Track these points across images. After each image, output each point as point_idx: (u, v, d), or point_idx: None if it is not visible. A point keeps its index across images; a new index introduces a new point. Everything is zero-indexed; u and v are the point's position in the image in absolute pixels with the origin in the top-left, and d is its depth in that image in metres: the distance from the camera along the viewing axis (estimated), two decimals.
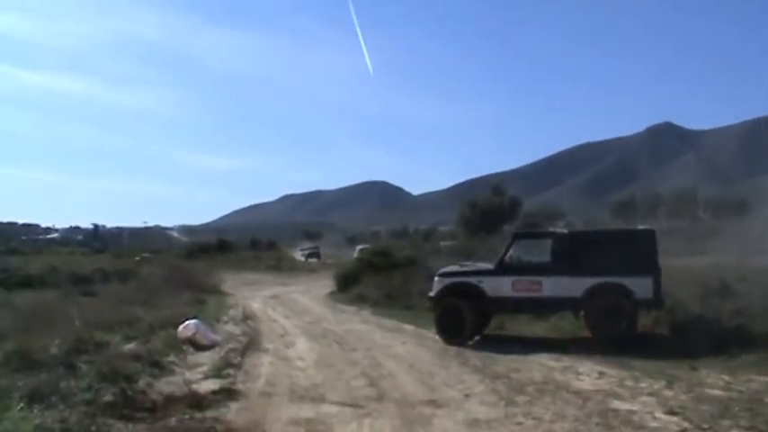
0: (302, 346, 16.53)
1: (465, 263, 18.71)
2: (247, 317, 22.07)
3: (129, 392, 10.16)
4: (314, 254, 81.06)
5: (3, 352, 11.49)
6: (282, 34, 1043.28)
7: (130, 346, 14.28)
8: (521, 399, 10.57)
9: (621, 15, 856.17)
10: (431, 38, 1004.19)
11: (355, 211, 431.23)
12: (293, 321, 21.55)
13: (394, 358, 14.52)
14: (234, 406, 10.11)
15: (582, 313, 16.53)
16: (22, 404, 8.53)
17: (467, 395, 10.93)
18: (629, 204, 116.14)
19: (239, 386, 11.47)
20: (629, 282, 15.66)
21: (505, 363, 13.64)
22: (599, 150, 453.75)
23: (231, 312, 23.72)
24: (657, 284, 15.69)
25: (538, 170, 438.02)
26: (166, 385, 11.44)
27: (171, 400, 10.16)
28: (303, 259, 75.90)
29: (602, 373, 12.38)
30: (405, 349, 15.86)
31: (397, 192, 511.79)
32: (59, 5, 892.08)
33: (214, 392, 10.72)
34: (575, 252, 16.34)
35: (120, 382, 10.52)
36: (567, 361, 13.62)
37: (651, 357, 13.66)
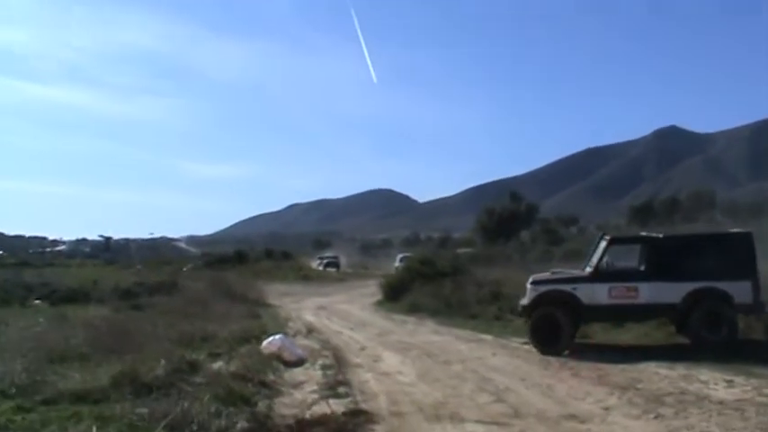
0: (391, 359, 15.74)
1: (556, 270, 17.90)
2: (310, 330, 21.25)
3: (260, 417, 9.37)
4: (332, 263, 77.14)
5: (110, 375, 10.65)
6: (285, 43, 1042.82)
7: (219, 363, 13.47)
8: (666, 411, 9.99)
9: (627, 19, 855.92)
10: (433, 44, 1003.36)
11: (362, 219, 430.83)
12: (361, 334, 20.76)
13: (496, 371, 13.84)
14: (379, 429, 9.28)
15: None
16: None
17: (605, 408, 10.34)
18: (645, 208, 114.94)
19: (363, 406, 10.63)
20: (728, 286, 15.25)
21: (618, 372, 13.07)
22: (606, 155, 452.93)
23: (291, 325, 22.98)
24: (757, 289, 15.27)
25: (545, 175, 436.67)
26: (285, 407, 10.69)
27: (305, 424, 9.35)
28: (321, 269, 73.45)
29: (729, 382, 11.83)
30: (501, 361, 15.19)
31: (403, 199, 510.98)
32: (60, 18, 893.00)
33: (344, 414, 9.89)
34: (671, 257, 15.85)
35: (240, 406, 9.76)
36: (680, 369, 13.02)
37: (763, 363, 13.07)
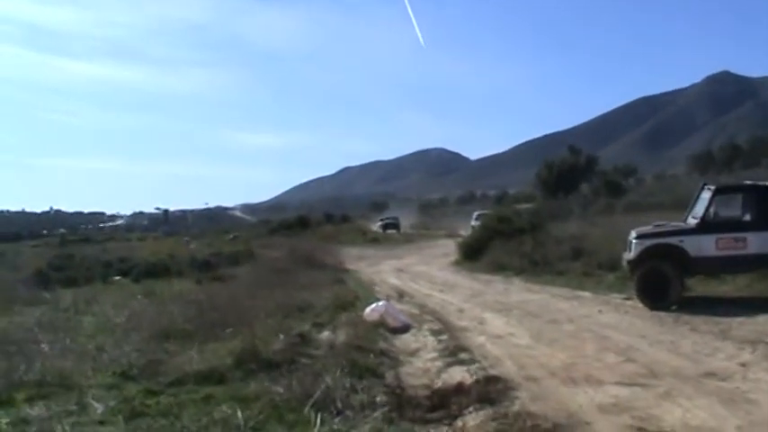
0: (495, 321, 15.24)
1: (659, 222, 17.27)
2: (401, 294, 20.86)
3: (394, 389, 8.96)
4: (391, 224, 75.44)
5: (229, 352, 10.32)
6: (330, 9, 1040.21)
7: (326, 333, 13.11)
8: None
9: None
10: (479, 2, 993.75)
11: (414, 179, 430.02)
12: (452, 296, 20.29)
13: (611, 329, 13.31)
14: (522, 395, 8.79)
15: None
16: (318, 415, 7.32)
17: (742, 365, 9.84)
18: (704, 156, 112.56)
19: (493, 372, 10.13)
20: None
21: (738, 326, 12.56)
22: (656, 104, 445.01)
23: (377, 289, 22.66)
24: None
25: (596, 127, 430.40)
26: (410, 377, 10.29)
27: (443, 393, 8.90)
28: (381, 231, 72.01)
29: None
30: (610, 318, 14.66)
31: (455, 157, 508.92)
32: None
33: (478, 381, 9.41)
34: None
35: (369, 378, 9.36)
36: None
37: None
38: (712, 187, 15.83)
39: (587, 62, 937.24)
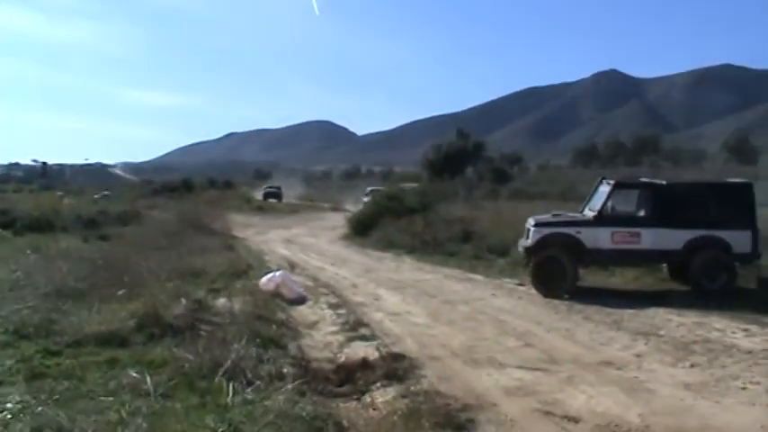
0: (391, 298, 15.35)
1: (557, 212, 17.66)
2: (292, 265, 20.71)
3: (300, 361, 8.94)
4: (273, 194, 73.99)
5: (132, 314, 10.05)
6: None
7: (222, 301, 12.92)
8: (699, 359, 9.96)
9: None
10: None
11: (299, 150, 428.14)
12: (345, 270, 20.27)
13: (506, 313, 13.63)
14: (429, 374, 8.94)
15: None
16: (230, 384, 7.22)
17: (637, 355, 10.25)
18: (589, 150, 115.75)
19: (396, 349, 10.22)
20: (727, 235, 15.33)
21: (630, 317, 13.00)
22: (544, 95, 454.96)
23: (267, 259, 22.46)
24: (756, 239, 15.35)
25: (482, 113, 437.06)
26: (312, 350, 10.27)
27: (349, 368, 8.92)
28: (262, 199, 70.89)
29: (746, 330, 11.84)
30: (505, 302, 14.96)
31: (341, 131, 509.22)
32: None
33: (383, 358, 9.48)
34: (674, 204, 15.76)
35: (273, 349, 9.30)
36: (691, 316, 12.95)
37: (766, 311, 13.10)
38: (611, 182, 16.27)
39: (480, 47, 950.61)
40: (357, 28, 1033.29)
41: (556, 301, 14.78)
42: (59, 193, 66.07)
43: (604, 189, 16.28)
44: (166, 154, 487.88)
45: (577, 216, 16.77)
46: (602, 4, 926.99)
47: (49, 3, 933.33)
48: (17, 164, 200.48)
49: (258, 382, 7.52)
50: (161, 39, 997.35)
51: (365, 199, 42.85)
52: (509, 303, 14.76)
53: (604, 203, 15.85)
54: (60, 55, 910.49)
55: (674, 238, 15.42)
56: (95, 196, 64.63)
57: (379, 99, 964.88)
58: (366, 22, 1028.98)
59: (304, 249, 26.73)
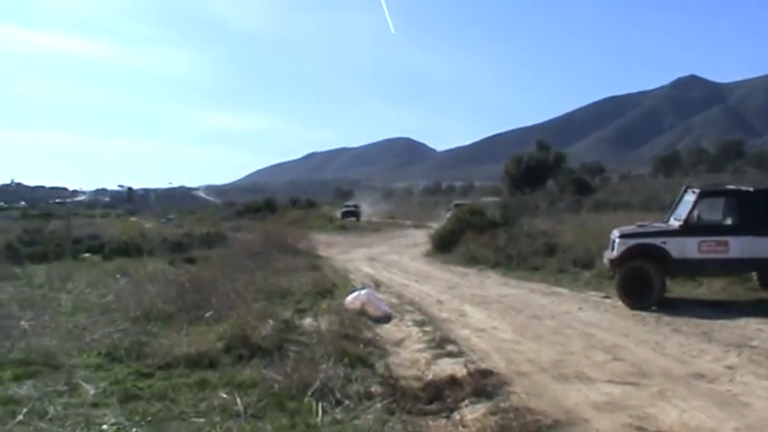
0: (476, 314, 15.19)
1: (642, 223, 17.37)
2: (377, 283, 20.71)
3: (388, 379, 8.90)
4: (350, 212, 73.33)
5: (220, 336, 10.18)
6: None
7: (309, 320, 13.00)
8: None
9: None
10: None
11: (380, 167, 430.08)
12: (429, 287, 20.17)
13: (594, 326, 13.36)
14: (517, 390, 8.79)
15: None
16: (319, 404, 7.23)
17: (728, 367, 9.93)
18: (671, 158, 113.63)
19: (482, 365, 10.09)
20: None
21: (720, 328, 12.65)
22: (625, 104, 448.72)
23: (352, 277, 22.50)
24: None
25: (562, 124, 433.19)
26: (399, 367, 10.23)
27: (437, 385, 8.83)
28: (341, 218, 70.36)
29: None
30: (591, 315, 14.69)
31: (420, 147, 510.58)
32: None
33: (471, 374, 9.37)
34: (762, 211, 15.28)
35: (360, 367, 9.29)
36: None
37: None
38: (696, 190, 15.95)
39: (555, 59, 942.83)
40: (432, 43, 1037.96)
41: (643, 313, 14.47)
42: (170, 216, 67.68)
43: (689, 198, 15.94)
44: (248, 175, 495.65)
45: (663, 226, 16.44)
46: (678, 8, 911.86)
47: (126, 31, 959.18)
48: (104, 189, 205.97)
49: (347, 402, 7.52)
50: (238, 63, 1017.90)
51: (448, 215, 42.65)
52: (596, 317, 14.51)
53: (690, 212, 15.51)
54: (142, 83, 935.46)
55: (762, 246, 14.98)
56: (162, 220, 65.99)
57: (457, 114, 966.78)
58: (440, 38, 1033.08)
59: (387, 267, 26.73)
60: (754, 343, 11.42)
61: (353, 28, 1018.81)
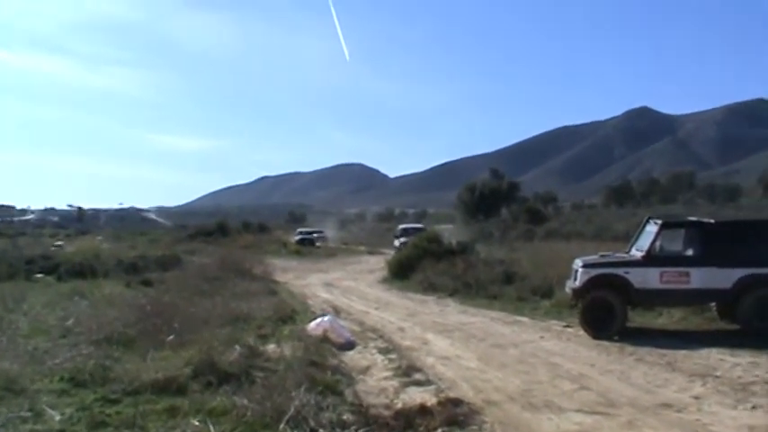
0: (439, 342, 15.19)
1: (605, 252, 17.51)
2: (336, 310, 20.58)
3: (359, 408, 8.82)
4: (307, 239, 69.02)
5: (187, 361, 10.00)
6: (259, 17, 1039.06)
7: (272, 346, 12.88)
8: (761, 401, 9.76)
9: (599, 2, 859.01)
10: (406, 24, 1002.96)
11: (332, 193, 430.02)
12: (389, 314, 20.09)
13: (557, 356, 13.41)
14: (489, 420, 8.80)
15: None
16: None
17: (695, 397, 10.01)
18: (622, 189, 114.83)
19: (452, 394, 10.07)
20: None
21: (683, 358, 12.75)
22: (576, 134, 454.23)
23: (311, 303, 22.38)
24: None
25: (515, 153, 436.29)
26: (368, 396, 10.13)
27: (408, 414, 8.77)
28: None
29: None
30: (554, 344, 14.75)
31: (373, 174, 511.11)
32: None
33: (440, 404, 9.34)
34: (722, 242, 15.53)
35: (328, 395, 9.18)
36: (745, 356, 12.76)
37: None
38: (659, 221, 16.13)
39: (509, 89, 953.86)
40: (387, 72, 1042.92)
41: (606, 343, 14.56)
42: (99, 238, 66.47)
43: (651, 229, 16.14)
44: (199, 198, 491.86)
45: (625, 256, 16.58)
46: (631, 41, 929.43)
47: (81, 50, 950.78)
48: (53, 209, 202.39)
49: (322, 431, 7.40)
50: (191, 85, 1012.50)
51: (396, 243, 42.26)
52: (559, 346, 14.56)
53: (652, 243, 15.69)
54: (94, 102, 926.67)
55: (723, 277, 15.15)
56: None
57: (411, 141, 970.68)
58: (395, 66, 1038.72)
59: (345, 293, 26.61)
60: (718, 373, 11.54)
61: (309, 54, 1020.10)
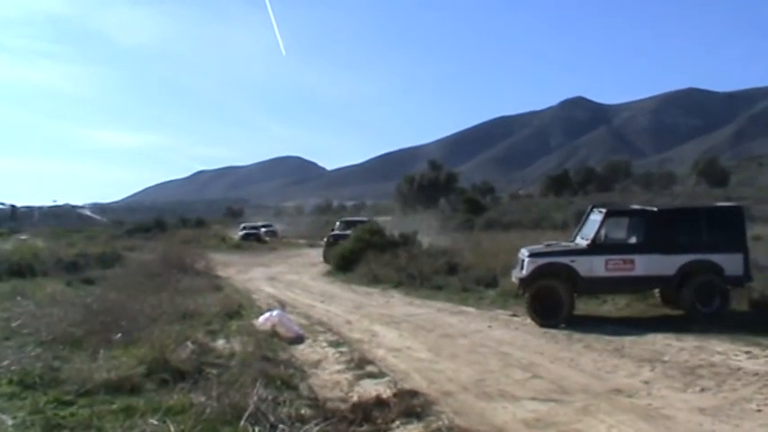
0: (388, 334, 15.24)
1: (550, 242, 17.75)
2: (282, 304, 20.49)
3: (316, 402, 8.84)
4: (251, 234, 64.92)
5: (139, 360, 9.87)
6: (194, 10, 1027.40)
7: (221, 342, 12.85)
8: (707, 383, 10.05)
9: None
10: (341, 14, 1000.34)
11: (269, 186, 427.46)
12: (335, 307, 20.07)
13: (507, 345, 13.60)
14: (446, 410, 8.90)
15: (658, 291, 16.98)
16: (255, 429, 7.11)
17: (645, 382, 10.26)
18: (560, 178, 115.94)
19: (406, 386, 10.13)
20: (719, 259, 15.49)
21: (630, 344, 13.04)
22: (513, 124, 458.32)
23: (255, 297, 22.26)
24: (747, 261, 15.59)
25: (451, 144, 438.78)
26: (323, 389, 10.14)
27: (365, 407, 8.80)
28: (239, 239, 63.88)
29: (748, 353, 11.94)
30: (502, 334, 14.92)
31: (310, 166, 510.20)
32: None
33: (396, 395, 9.39)
34: (666, 229, 15.93)
35: (284, 390, 9.19)
36: (690, 341, 13.08)
37: (764, 333, 13.20)
38: (603, 210, 16.39)
39: (445, 80, 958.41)
40: (322, 65, 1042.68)
41: (553, 331, 14.78)
42: (23, 237, 64.78)
43: (596, 217, 16.40)
44: (135, 194, 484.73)
45: (571, 245, 16.82)
46: (567, 32, 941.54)
47: (12, 44, 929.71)
48: None
49: (282, 426, 7.39)
50: (126, 78, 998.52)
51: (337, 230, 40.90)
52: (507, 335, 14.71)
53: (597, 231, 15.93)
54: (25, 96, 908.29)
55: (667, 264, 15.55)
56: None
57: (348, 134, 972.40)
58: (330, 59, 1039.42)
59: (289, 287, 26.53)
60: (666, 358, 11.81)
61: (244, 47, 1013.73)
